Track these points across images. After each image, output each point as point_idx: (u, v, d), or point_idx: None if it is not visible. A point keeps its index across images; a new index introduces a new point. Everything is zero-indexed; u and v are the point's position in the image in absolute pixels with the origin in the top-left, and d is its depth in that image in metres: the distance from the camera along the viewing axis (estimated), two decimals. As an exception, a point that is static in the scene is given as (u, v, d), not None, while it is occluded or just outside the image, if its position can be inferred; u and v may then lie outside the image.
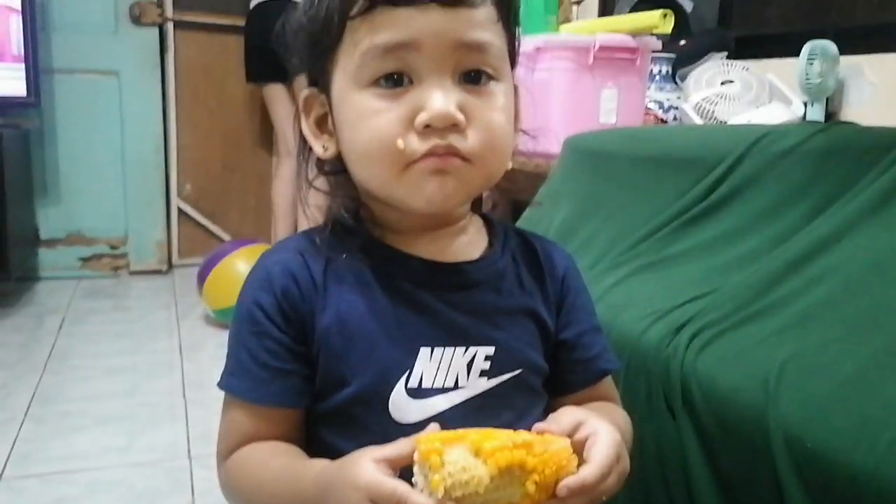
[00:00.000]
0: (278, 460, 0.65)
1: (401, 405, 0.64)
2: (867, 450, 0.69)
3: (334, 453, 0.63)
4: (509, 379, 0.68)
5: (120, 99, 3.40)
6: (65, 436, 1.91)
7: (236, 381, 0.66)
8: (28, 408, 2.06)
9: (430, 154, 0.60)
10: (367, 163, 0.63)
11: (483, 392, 0.66)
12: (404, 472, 0.55)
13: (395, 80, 0.60)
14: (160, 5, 3.41)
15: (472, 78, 0.62)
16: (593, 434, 0.59)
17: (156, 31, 3.42)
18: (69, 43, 3.27)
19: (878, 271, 0.99)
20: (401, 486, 0.52)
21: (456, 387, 0.65)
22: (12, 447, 1.84)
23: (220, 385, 0.67)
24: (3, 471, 1.73)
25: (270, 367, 0.64)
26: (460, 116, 0.59)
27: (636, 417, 0.96)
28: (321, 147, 0.68)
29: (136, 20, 3.38)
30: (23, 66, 2.89)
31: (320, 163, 0.70)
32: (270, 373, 0.64)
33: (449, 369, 0.65)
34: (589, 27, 1.91)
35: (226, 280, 2.60)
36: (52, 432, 1.93)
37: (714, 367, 0.89)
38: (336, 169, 0.69)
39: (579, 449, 0.58)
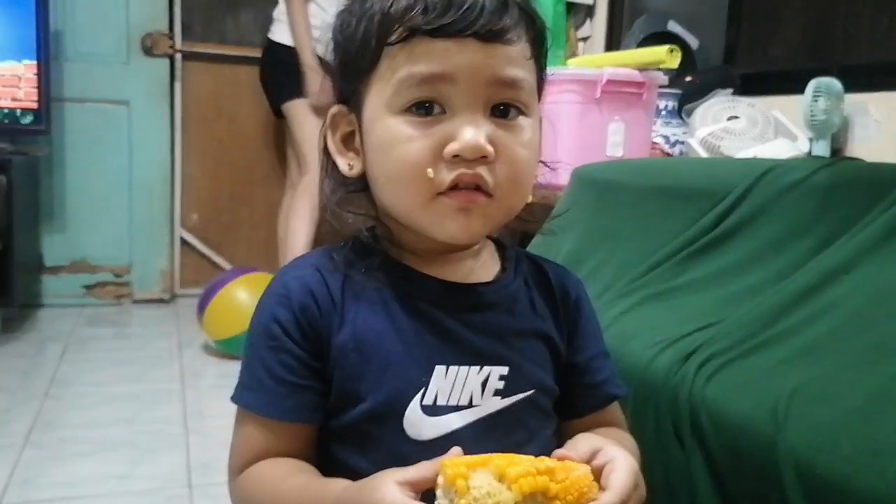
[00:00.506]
0: (296, 479, 0.64)
1: (415, 422, 0.64)
2: (878, 476, 0.69)
3: (347, 469, 0.63)
4: (522, 399, 0.68)
5: (129, 128, 3.43)
6: (65, 462, 1.90)
7: (252, 396, 0.66)
8: (29, 433, 2.05)
9: (456, 185, 0.61)
10: (394, 188, 0.64)
11: (497, 411, 0.67)
12: (425, 494, 0.55)
13: (426, 108, 0.61)
14: (171, 37, 3.46)
15: (502, 111, 0.63)
16: (611, 461, 0.59)
17: (167, 62, 3.46)
18: (81, 72, 3.31)
19: (885, 303, 1.00)
20: None
21: (470, 405, 0.66)
22: (12, 473, 1.82)
23: (234, 399, 0.67)
24: (2, 496, 1.71)
25: (286, 382, 0.65)
26: (490, 149, 0.61)
27: (645, 446, 0.96)
28: (346, 165, 0.68)
29: (148, 51, 3.43)
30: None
31: (342, 179, 0.70)
32: (286, 388, 0.65)
33: (464, 388, 0.66)
34: (596, 61, 1.93)
35: (226, 310, 2.59)
36: (52, 458, 1.91)
37: (723, 395, 0.88)
38: (358, 187, 0.70)
39: (597, 475, 0.58)
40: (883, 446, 0.72)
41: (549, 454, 0.68)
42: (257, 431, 0.66)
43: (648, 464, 0.95)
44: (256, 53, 3.55)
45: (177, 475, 1.86)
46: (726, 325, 1.03)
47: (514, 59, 0.62)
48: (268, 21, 3.22)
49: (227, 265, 3.64)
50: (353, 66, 0.65)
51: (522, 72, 0.63)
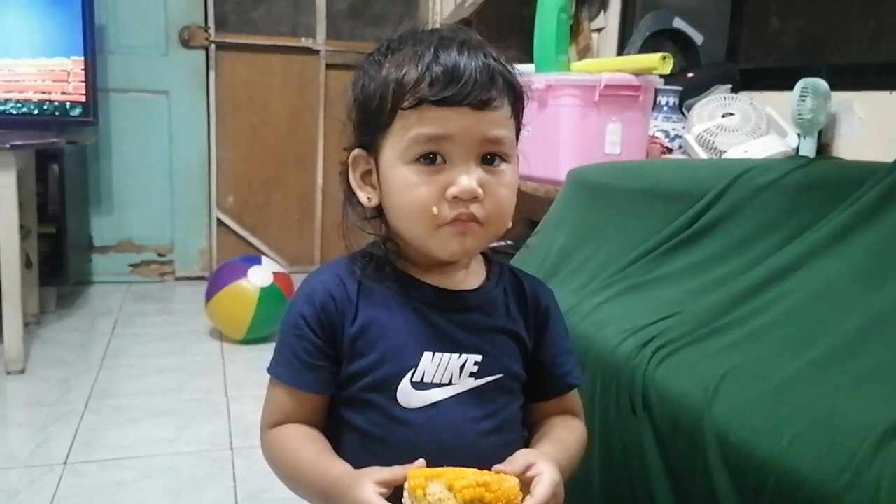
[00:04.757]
0: (310, 449, 0.83)
1: (406, 394, 0.83)
2: (774, 443, 0.86)
3: (351, 427, 0.84)
4: (492, 381, 0.86)
5: (169, 116, 3.66)
6: (121, 427, 2.14)
7: (281, 370, 0.85)
8: (87, 401, 2.29)
9: (456, 219, 0.79)
10: (407, 221, 0.82)
11: (471, 389, 0.85)
12: (398, 491, 0.74)
13: (430, 159, 0.79)
14: (207, 29, 3.65)
15: (489, 160, 0.81)
16: (539, 475, 0.77)
17: (203, 53, 3.67)
18: (124, 65, 3.54)
19: (823, 297, 1.15)
20: None
21: (450, 383, 0.84)
22: (75, 436, 2.06)
23: (269, 370, 0.86)
24: (67, 457, 1.95)
25: (306, 363, 0.84)
26: (480, 192, 0.79)
27: (608, 417, 1.15)
28: (366, 198, 0.86)
29: (186, 43, 3.63)
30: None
31: (361, 208, 0.88)
32: (306, 367, 0.84)
33: (446, 370, 0.84)
34: (596, 66, 2.08)
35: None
36: (109, 424, 2.16)
37: (669, 376, 1.06)
38: (372, 214, 0.88)
39: (528, 483, 0.77)
40: (784, 419, 0.89)
41: (514, 426, 0.89)
42: (283, 396, 0.85)
43: (610, 433, 1.14)
44: (287, 42, 3.76)
45: (219, 438, 2.09)
46: (684, 316, 1.20)
47: (498, 122, 0.80)
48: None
49: (261, 245, 3.87)
50: (371, 121, 0.82)
51: (505, 130, 0.81)
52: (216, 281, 2.90)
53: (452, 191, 0.78)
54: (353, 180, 0.87)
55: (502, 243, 2.26)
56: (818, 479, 0.80)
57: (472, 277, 0.89)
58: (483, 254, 0.93)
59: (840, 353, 1.02)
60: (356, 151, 0.86)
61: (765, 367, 1.02)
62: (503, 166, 0.82)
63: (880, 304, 1.09)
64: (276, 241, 3.91)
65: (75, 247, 3.33)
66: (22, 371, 2.49)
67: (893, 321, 1.03)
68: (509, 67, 0.82)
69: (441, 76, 0.77)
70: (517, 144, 0.86)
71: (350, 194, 0.88)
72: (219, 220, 3.84)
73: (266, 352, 0.87)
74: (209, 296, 2.88)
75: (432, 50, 0.78)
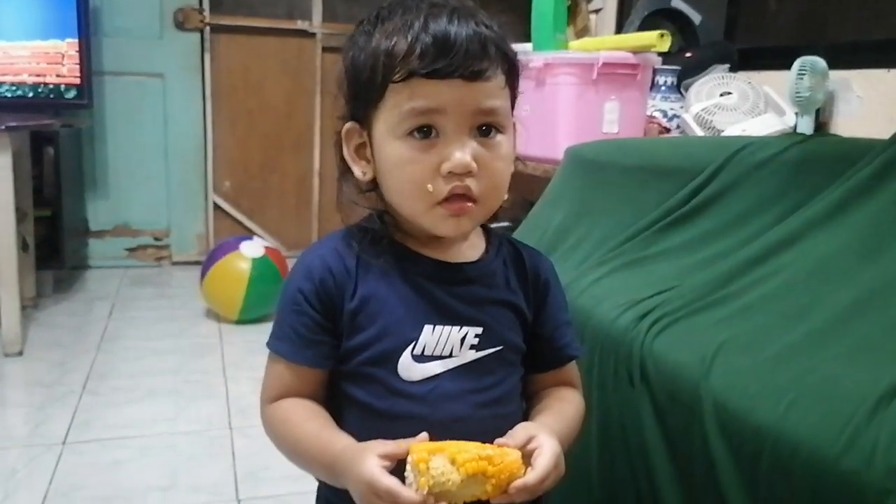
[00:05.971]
0: (313, 423, 0.83)
1: (407, 367, 0.83)
2: (770, 410, 0.87)
3: (352, 401, 0.83)
4: (492, 353, 0.86)
5: (164, 99, 3.64)
6: (119, 407, 2.14)
7: (280, 345, 0.85)
8: (85, 382, 2.29)
9: (451, 195, 0.78)
10: (402, 197, 0.81)
11: (471, 361, 0.85)
12: (401, 464, 0.74)
13: (424, 132, 0.78)
14: (202, 11, 3.63)
15: (484, 131, 0.79)
16: (539, 447, 0.77)
17: (198, 35, 3.65)
18: (119, 47, 3.51)
19: (818, 272, 1.16)
20: (394, 485, 0.72)
21: (451, 356, 0.84)
22: (73, 416, 2.07)
23: (268, 345, 0.86)
24: (66, 436, 1.96)
25: (305, 338, 0.83)
26: (475, 166, 0.77)
27: (606, 388, 1.15)
28: (361, 172, 0.85)
29: (180, 26, 3.61)
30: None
31: (355, 181, 0.86)
32: (305, 341, 0.83)
33: (446, 343, 0.84)
34: (594, 45, 2.08)
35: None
36: (107, 404, 2.16)
37: (666, 347, 1.07)
38: (368, 188, 0.87)
39: (529, 455, 0.77)
40: (780, 387, 0.90)
41: (513, 397, 0.89)
42: (283, 371, 0.85)
43: (608, 404, 1.15)
44: (283, 25, 3.73)
45: (218, 418, 2.09)
46: (680, 290, 1.20)
47: (491, 92, 0.78)
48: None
49: (258, 229, 3.86)
50: (362, 94, 0.81)
51: (499, 101, 0.79)
52: (210, 259, 2.93)
53: (446, 166, 0.77)
54: (348, 154, 0.86)
55: (500, 224, 2.27)
56: (815, 443, 0.81)
57: (471, 250, 0.89)
58: (482, 226, 0.92)
59: (835, 325, 1.03)
60: (349, 124, 0.85)
61: (761, 338, 1.02)
62: (499, 137, 0.80)
63: (874, 278, 1.10)
64: (273, 224, 3.91)
65: (71, 230, 3.33)
66: (20, 353, 2.49)
67: (887, 294, 1.04)
68: (502, 34, 0.80)
69: (431, 47, 0.75)
70: (512, 114, 0.85)
71: (344, 168, 0.87)
72: (215, 204, 3.83)
73: (264, 334, 0.86)
74: (203, 274, 2.91)
75: (422, 18, 0.76)
